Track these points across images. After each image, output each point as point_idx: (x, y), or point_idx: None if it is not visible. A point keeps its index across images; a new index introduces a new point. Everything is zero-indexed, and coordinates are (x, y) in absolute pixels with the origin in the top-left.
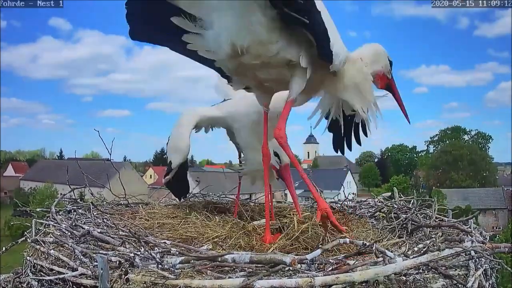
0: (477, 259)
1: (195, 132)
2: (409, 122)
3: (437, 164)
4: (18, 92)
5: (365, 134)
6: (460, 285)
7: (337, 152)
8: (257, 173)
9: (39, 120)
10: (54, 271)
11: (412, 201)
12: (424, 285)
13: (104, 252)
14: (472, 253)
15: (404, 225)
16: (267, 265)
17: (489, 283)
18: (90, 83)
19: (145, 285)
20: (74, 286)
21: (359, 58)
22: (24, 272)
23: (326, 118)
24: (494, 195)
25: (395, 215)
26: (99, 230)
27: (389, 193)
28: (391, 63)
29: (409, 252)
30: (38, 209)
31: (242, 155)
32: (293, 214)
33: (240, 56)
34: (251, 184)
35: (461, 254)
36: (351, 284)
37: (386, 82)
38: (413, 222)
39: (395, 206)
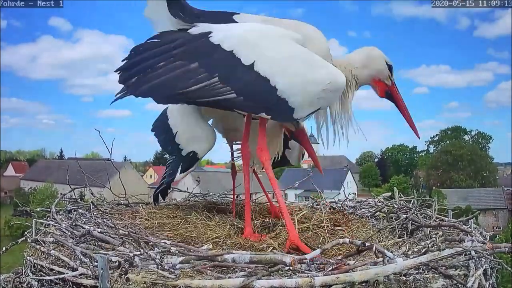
0: (477, 259)
1: None
2: (419, 137)
3: (437, 164)
4: (18, 92)
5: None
6: (460, 285)
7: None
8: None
9: (39, 120)
10: (54, 271)
11: (412, 201)
12: (424, 285)
13: (104, 252)
14: (472, 253)
15: (404, 225)
16: (267, 265)
17: (489, 283)
18: (90, 83)
19: (145, 285)
20: (74, 286)
21: (344, 64)
22: (24, 272)
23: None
24: (494, 195)
25: (395, 215)
26: (99, 230)
27: (389, 193)
28: (390, 67)
29: (409, 252)
30: (38, 209)
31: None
32: (294, 212)
33: None
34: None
35: (461, 254)
36: (351, 284)
37: (385, 90)
38: (413, 222)
39: (395, 206)
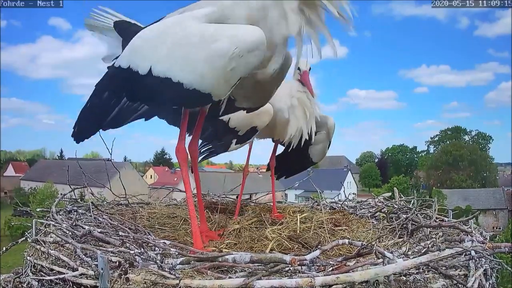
0: (477, 259)
1: None
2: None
3: (438, 165)
4: (18, 92)
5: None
6: (460, 285)
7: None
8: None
9: (39, 120)
10: (54, 271)
11: (412, 201)
12: (424, 285)
13: (103, 250)
14: (472, 253)
15: (405, 225)
16: (267, 265)
17: (489, 283)
18: (90, 83)
19: (145, 285)
20: (74, 286)
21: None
22: (24, 272)
23: None
24: (494, 196)
25: (396, 215)
26: (99, 230)
27: (390, 193)
28: None
29: (410, 252)
30: (38, 209)
31: None
32: (292, 212)
33: None
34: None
35: (461, 254)
36: (351, 284)
37: None
38: (413, 222)
39: (396, 206)
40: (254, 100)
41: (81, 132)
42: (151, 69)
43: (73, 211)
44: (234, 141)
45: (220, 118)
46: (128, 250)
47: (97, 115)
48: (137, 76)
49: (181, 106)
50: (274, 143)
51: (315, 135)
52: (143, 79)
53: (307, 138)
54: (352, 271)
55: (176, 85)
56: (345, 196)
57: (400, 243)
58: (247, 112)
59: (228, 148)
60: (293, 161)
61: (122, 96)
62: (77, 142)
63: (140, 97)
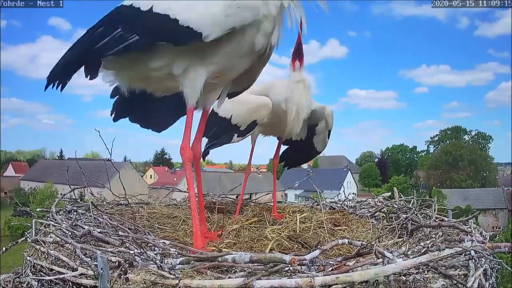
0: (477, 259)
1: None
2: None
3: (437, 164)
4: (18, 92)
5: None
6: (460, 285)
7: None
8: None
9: (39, 120)
10: (54, 271)
11: (412, 201)
12: (424, 285)
13: (103, 249)
14: (472, 253)
15: (404, 225)
16: (267, 264)
17: (489, 283)
18: (90, 83)
19: (145, 285)
20: (74, 286)
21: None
22: (24, 272)
23: None
24: (494, 195)
25: (395, 215)
26: (99, 230)
27: (389, 193)
28: None
29: (409, 252)
30: (38, 209)
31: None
32: (292, 212)
33: None
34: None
35: (461, 254)
36: (351, 284)
37: None
38: (413, 222)
39: (395, 206)
40: (242, 84)
41: (65, 69)
42: (152, 7)
43: (72, 211)
44: (236, 134)
45: (223, 116)
46: (128, 250)
47: (84, 48)
48: (137, 12)
49: (171, 41)
50: (278, 141)
51: (317, 126)
52: (142, 14)
53: (305, 118)
54: (352, 271)
55: (171, 21)
56: (345, 196)
57: (400, 243)
58: (229, 98)
59: (230, 140)
60: (301, 150)
61: (116, 27)
62: (63, 83)
63: (134, 29)
